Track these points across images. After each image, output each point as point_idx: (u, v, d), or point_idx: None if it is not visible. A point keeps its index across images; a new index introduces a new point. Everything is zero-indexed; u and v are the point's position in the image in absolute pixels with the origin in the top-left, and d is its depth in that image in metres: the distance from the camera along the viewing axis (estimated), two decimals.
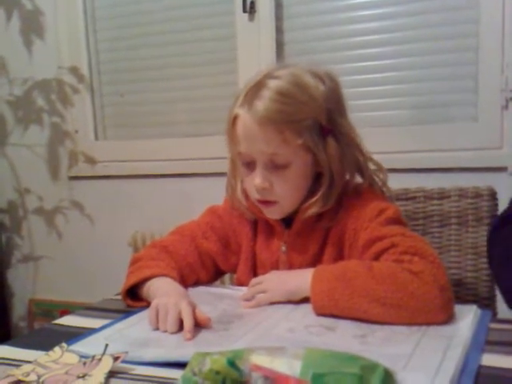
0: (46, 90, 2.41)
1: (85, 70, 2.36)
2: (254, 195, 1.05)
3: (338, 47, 1.97)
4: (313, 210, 1.03)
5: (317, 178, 1.05)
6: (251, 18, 2.03)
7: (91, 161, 2.38)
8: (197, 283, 1.14)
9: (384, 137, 1.90)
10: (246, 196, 1.10)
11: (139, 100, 2.33)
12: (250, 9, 2.01)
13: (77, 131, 2.40)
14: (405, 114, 1.91)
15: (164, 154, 2.25)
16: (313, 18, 1.99)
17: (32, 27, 2.38)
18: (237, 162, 1.08)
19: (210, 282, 1.17)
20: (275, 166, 1.01)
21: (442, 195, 1.29)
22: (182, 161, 2.19)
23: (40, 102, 2.43)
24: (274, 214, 1.07)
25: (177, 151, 2.21)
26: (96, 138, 2.42)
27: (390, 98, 1.93)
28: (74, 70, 2.35)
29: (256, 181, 1.01)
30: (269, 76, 1.02)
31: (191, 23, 2.18)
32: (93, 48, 2.37)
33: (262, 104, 0.98)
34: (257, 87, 1.00)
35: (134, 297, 1.05)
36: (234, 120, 1.02)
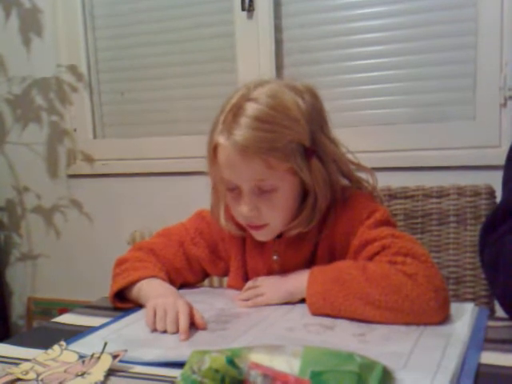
0: (45, 88, 2.40)
1: (83, 69, 2.35)
2: (242, 220, 1.02)
3: (336, 45, 1.97)
4: (296, 231, 1.01)
5: (304, 196, 1.02)
6: (250, 16, 2.03)
7: (90, 159, 2.38)
8: (184, 285, 1.13)
9: (382, 135, 1.91)
10: (232, 217, 1.07)
11: (138, 98, 2.33)
12: (249, 7, 2.01)
13: (75, 129, 2.40)
14: (403, 112, 1.91)
15: (163, 152, 2.24)
16: (311, 16, 1.99)
17: (30, 25, 2.37)
18: (219, 187, 1.05)
19: (196, 283, 1.17)
20: (262, 192, 0.97)
21: (441, 193, 1.29)
22: (181, 159, 2.19)
23: (38, 100, 2.42)
24: (263, 236, 1.04)
25: (176, 149, 2.21)
26: (94, 136, 2.41)
27: (388, 97, 1.93)
28: (73, 69, 2.35)
29: (242, 209, 0.98)
30: (246, 98, 0.96)
31: (190, 21, 2.18)
32: (91, 46, 2.37)
33: (242, 134, 0.93)
34: (234, 112, 0.95)
35: (122, 299, 1.04)
36: (214, 148, 0.98)
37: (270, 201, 0.98)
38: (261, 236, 1.04)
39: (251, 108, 0.94)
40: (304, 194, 1.02)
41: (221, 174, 0.99)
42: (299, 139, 0.96)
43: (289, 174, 0.98)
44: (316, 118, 1.00)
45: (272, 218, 1.00)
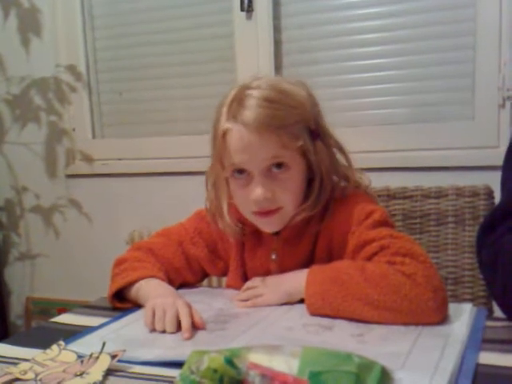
0: (44, 88, 2.40)
1: (82, 68, 2.35)
2: (251, 208, 1.01)
3: (335, 46, 1.97)
4: (302, 215, 1.02)
5: (308, 183, 1.04)
6: (249, 17, 2.03)
7: (88, 159, 2.38)
8: (183, 285, 1.13)
9: (381, 135, 1.91)
10: (235, 215, 1.07)
11: (137, 98, 2.33)
12: (248, 7, 2.01)
13: (74, 129, 2.40)
14: (402, 113, 1.91)
15: (162, 152, 2.24)
16: (310, 17, 1.99)
17: (29, 25, 2.37)
18: (221, 183, 1.04)
19: (195, 283, 1.17)
20: (274, 174, 0.98)
21: (440, 194, 1.29)
22: (180, 159, 2.19)
23: (37, 100, 2.42)
24: (273, 224, 1.04)
25: (175, 149, 2.21)
26: (93, 136, 2.41)
27: (386, 97, 1.93)
28: (72, 68, 2.35)
29: (257, 192, 0.97)
30: (246, 87, 0.99)
31: (189, 21, 2.18)
32: (90, 46, 2.37)
33: (252, 113, 0.95)
34: (239, 100, 0.97)
35: (120, 299, 1.04)
36: (222, 136, 0.98)
37: (282, 183, 0.99)
38: (272, 223, 1.04)
39: (256, 92, 0.97)
40: (308, 180, 1.03)
41: (231, 161, 0.99)
42: (306, 119, 0.99)
43: (299, 155, 0.99)
44: (316, 105, 1.04)
45: (285, 200, 1.00)
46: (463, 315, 0.88)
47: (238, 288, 1.07)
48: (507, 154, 1.01)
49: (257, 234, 1.09)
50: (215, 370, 0.56)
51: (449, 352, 0.73)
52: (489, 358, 0.74)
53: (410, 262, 0.90)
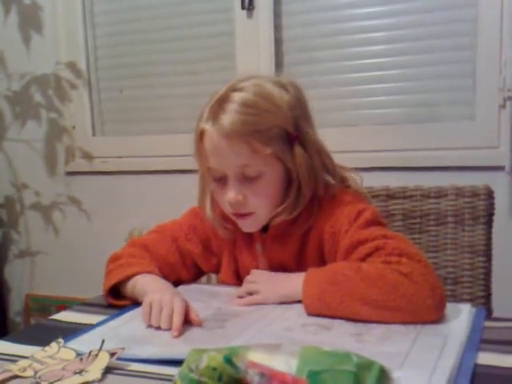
0: (44, 85, 2.40)
1: (83, 66, 2.35)
2: (228, 209, 1.03)
3: (336, 45, 1.97)
4: (280, 218, 1.03)
5: (288, 186, 1.04)
6: (250, 15, 2.03)
7: (88, 156, 2.38)
8: (177, 282, 1.13)
9: (382, 135, 1.91)
10: (219, 211, 1.09)
11: (137, 96, 2.33)
12: (249, 5, 2.01)
13: (74, 127, 2.40)
14: (402, 112, 1.91)
15: (162, 150, 2.24)
16: (311, 16, 1.99)
17: (30, 22, 2.37)
18: (206, 177, 1.07)
19: (190, 280, 1.17)
20: (247, 178, 0.99)
21: (439, 194, 1.29)
22: (179, 157, 2.17)
23: (38, 97, 2.42)
24: (249, 226, 1.06)
25: (174, 147, 2.20)
26: (93, 133, 2.41)
27: (387, 96, 1.93)
28: (72, 66, 2.35)
29: (229, 195, 1.00)
30: (232, 88, 1.00)
31: (190, 19, 2.18)
32: (91, 43, 2.37)
33: (227, 117, 0.97)
34: (221, 101, 0.99)
35: (116, 296, 1.04)
36: (200, 136, 1.02)
37: (254, 187, 1.00)
38: (247, 226, 1.05)
39: (237, 96, 0.99)
40: (288, 184, 1.03)
41: (207, 164, 1.02)
42: (282, 124, 0.99)
43: (273, 159, 1.00)
44: (299, 108, 1.03)
45: (257, 205, 1.01)
46: (462, 315, 0.88)
47: (230, 283, 1.09)
48: None
49: None
50: (214, 369, 0.56)
51: (447, 352, 0.73)
52: (487, 358, 0.74)
53: (407, 262, 0.90)
